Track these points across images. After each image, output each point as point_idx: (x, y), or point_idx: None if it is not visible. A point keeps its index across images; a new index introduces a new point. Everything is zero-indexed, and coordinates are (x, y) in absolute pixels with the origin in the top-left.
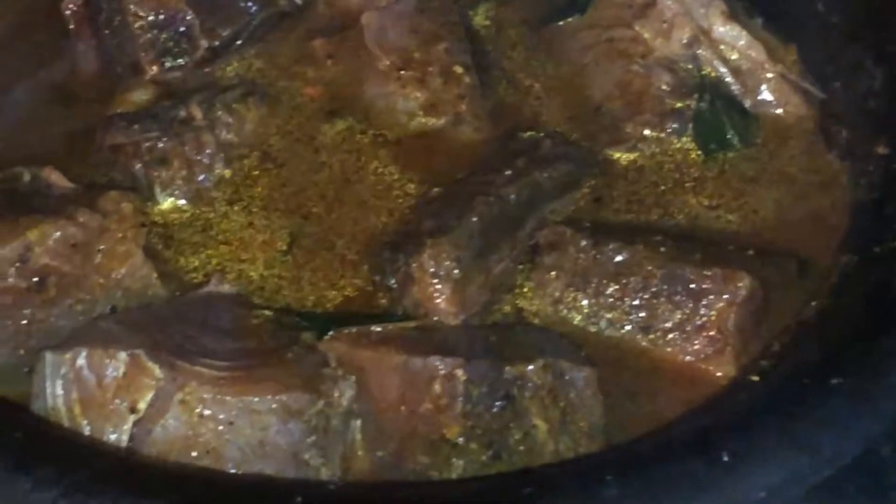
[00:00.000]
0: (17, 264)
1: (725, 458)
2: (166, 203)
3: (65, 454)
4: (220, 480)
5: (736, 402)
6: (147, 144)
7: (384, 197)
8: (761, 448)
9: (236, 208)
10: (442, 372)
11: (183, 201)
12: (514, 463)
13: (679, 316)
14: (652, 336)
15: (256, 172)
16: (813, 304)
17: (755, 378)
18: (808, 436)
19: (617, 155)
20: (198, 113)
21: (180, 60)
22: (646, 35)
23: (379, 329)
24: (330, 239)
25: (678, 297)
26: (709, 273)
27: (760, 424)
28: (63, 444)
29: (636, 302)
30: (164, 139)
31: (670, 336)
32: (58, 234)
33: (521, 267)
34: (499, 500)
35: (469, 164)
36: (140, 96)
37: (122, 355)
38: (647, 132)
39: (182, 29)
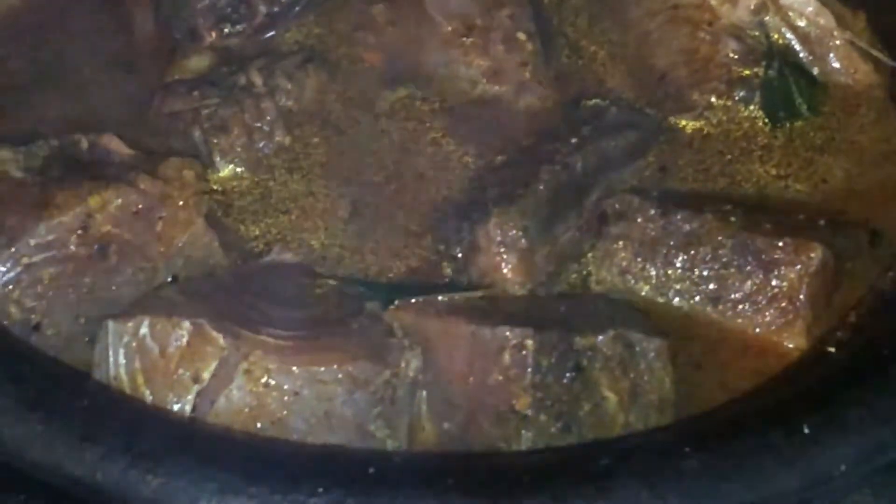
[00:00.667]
0: (79, 231)
1: (806, 431)
2: (226, 170)
3: (132, 423)
4: (290, 450)
5: (813, 373)
6: (206, 111)
7: (444, 166)
8: (842, 420)
9: (296, 176)
10: (512, 342)
11: (242, 169)
12: (584, 435)
13: (749, 286)
14: (721, 307)
15: (316, 140)
16: (889, 274)
17: (832, 349)
18: (889, 407)
19: (683, 123)
20: (258, 79)
21: (239, 27)
22: (712, 2)
23: (445, 299)
24: (391, 208)
25: (749, 268)
26: (780, 243)
27: (840, 396)
28: (129, 412)
29: (705, 272)
30: (224, 106)
31: (740, 307)
32: (119, 200)
33: (587, 236)
34: (575, 472)
35: (532, 132)
36: (198, 63)
37: (186, 324)
38: (713, 100)
39: None
